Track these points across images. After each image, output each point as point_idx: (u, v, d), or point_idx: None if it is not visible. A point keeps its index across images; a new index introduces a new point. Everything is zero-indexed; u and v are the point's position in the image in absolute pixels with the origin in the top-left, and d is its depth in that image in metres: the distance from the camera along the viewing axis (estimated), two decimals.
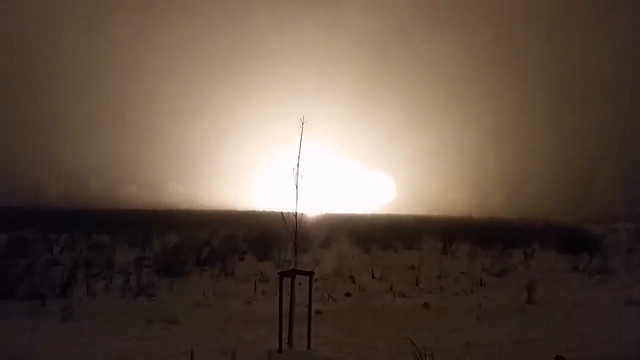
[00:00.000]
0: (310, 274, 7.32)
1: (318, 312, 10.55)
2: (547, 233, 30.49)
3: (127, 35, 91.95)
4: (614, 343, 8.96)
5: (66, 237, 25.13)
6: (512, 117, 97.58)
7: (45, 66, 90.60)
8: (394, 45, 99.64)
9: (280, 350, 7.44)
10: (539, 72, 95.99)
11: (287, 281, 7.19)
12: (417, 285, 14.70)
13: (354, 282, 15.07)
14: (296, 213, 6.82)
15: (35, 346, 8.28)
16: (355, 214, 60.96)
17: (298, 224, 6.90)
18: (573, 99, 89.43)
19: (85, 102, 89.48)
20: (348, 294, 13.34)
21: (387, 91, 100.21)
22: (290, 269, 7.55)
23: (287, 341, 7.46)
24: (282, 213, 6.84)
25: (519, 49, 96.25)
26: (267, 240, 21.78)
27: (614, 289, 14.31)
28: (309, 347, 7.63)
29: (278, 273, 7.28)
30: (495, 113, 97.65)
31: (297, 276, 7.41)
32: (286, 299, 6.99)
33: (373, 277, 15.98)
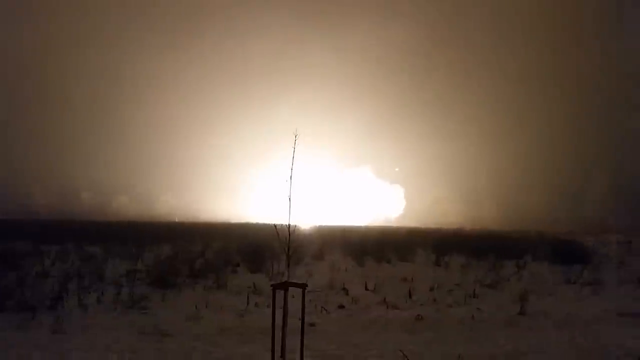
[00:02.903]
0: (303, 286, 7.31)
1: (311, 324, 10.54)
2: (540, 245, 30.63)
3: (123, 49, 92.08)
4: (607, 355, 9.00)
5: (58, 249, 24.93)
6: (505, 129, 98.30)
7: (37, 79, 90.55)
8: (398, 62, 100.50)
9: None
10: (534, 85, 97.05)
11: (280, 293, 7.18)
12: (410, 297, 14.70)
13: (347, 294, 15.04)
14: (289, 225, 6.81)
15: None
16: (348, 226, 60.98)
17: (291, 236, 6.91)
18: (566, 112, 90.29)
19: (77, 115, 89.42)
20: (341, 306, 13.31)
21: (382, 106, 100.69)
22: (283, 281, 7.54)
23: (280, 354, 7.43)
24: (275, 225, 6.83)
25: (515, 64, 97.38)
26: (260, 253, 21.71)
27: (606, 301, 14.38)
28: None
29: (271, 285, 7.26)
30: (488, 124, 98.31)
31: (290, 288, 7.41)
32: (279, 312, 6.97)
33: (366, 289, 15.96)
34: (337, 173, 73.82)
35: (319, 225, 51.26)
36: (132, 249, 24.89)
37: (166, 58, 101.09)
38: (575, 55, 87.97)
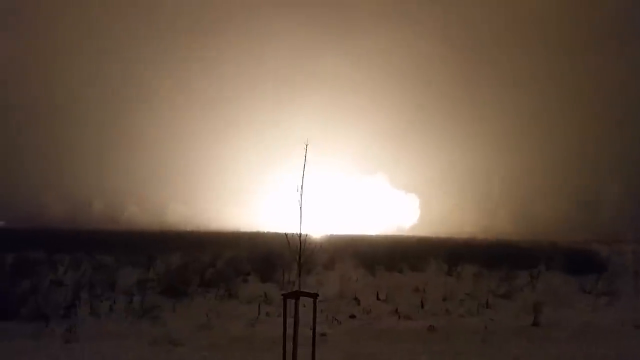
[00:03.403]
0: (314, 295, 7.27)
1: (323, 334, 10.46)
2: (554, 254, 30.27)
3: (133, 57, 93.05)
4: None
5: (70, 258, 25.10)
6: (519, 137, 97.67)
7: (49, 91, 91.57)
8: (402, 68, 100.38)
9: None
10: (547, 94, 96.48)
11: (291, 303, 7.15)
12: (422, 307, 14.58)
13: (358, 304, 14.96)
14: (300, 234, 6.80)
15: None
16: (360, 235, 60.73)
17: (302, 246, 6.89)
18: (579, 120, 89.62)
19: (89, 125, 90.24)
20: (353, 316, 13.23)
21: (391, 116, 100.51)
22: (294, 290, 7.51)
23: None
24: (286, 234, 6.81)
25: (530, 72, 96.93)
26: (270, 262, 21.68)
27: (621, 311, 14.14)
28: None
29: (282, 295, 7.23)
30: (502, 132, 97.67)
31: (301, 298, 7.37)
32: (290, 321, 6.94)
33: (378, 299, 15.86)
34: (349, 181, 73.66)
35: (331, 234, 51.11)
36: (143, 258, 24.98)
37: (178, 67, 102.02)
38: (590, 60, 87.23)
